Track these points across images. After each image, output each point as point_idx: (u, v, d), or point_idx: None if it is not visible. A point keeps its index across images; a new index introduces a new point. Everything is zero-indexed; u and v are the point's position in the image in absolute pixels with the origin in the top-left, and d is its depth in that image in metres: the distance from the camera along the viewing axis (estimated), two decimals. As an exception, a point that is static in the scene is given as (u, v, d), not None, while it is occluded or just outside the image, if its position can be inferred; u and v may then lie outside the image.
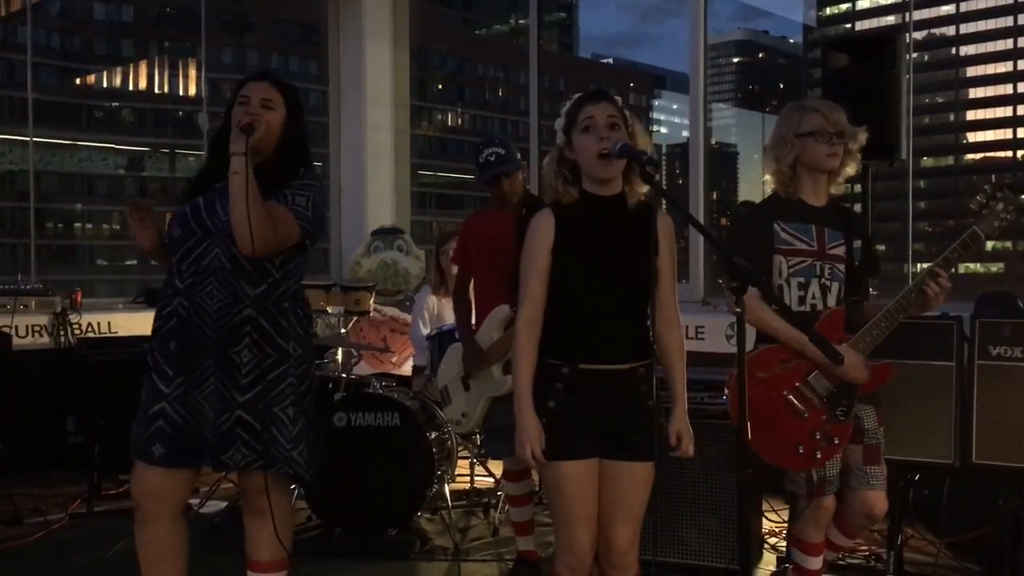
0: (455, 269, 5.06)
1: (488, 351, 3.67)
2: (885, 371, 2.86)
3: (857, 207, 3.93)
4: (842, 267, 2.89)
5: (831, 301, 2.88)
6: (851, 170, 2.94)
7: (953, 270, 2.82)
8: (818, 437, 2.82)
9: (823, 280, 2.87)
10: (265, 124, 2.60)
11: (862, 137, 2.91)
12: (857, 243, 2.92)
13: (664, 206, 2.62)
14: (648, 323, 2.52)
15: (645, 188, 2.48)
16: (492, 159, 3.66)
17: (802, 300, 2.87)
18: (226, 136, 2.58)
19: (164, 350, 2.60)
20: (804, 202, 2.90)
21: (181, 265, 2.61)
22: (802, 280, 2.86)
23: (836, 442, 2.82)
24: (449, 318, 5.04)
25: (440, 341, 4.49)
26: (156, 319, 2.66)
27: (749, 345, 2.60)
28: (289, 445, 2.63)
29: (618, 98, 2.50)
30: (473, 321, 3.85)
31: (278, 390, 2.63)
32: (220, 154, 2.60)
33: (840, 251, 2.88)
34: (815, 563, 3.02)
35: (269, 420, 2.61)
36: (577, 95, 2.51)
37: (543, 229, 2.47)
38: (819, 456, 2.82)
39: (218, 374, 2.58)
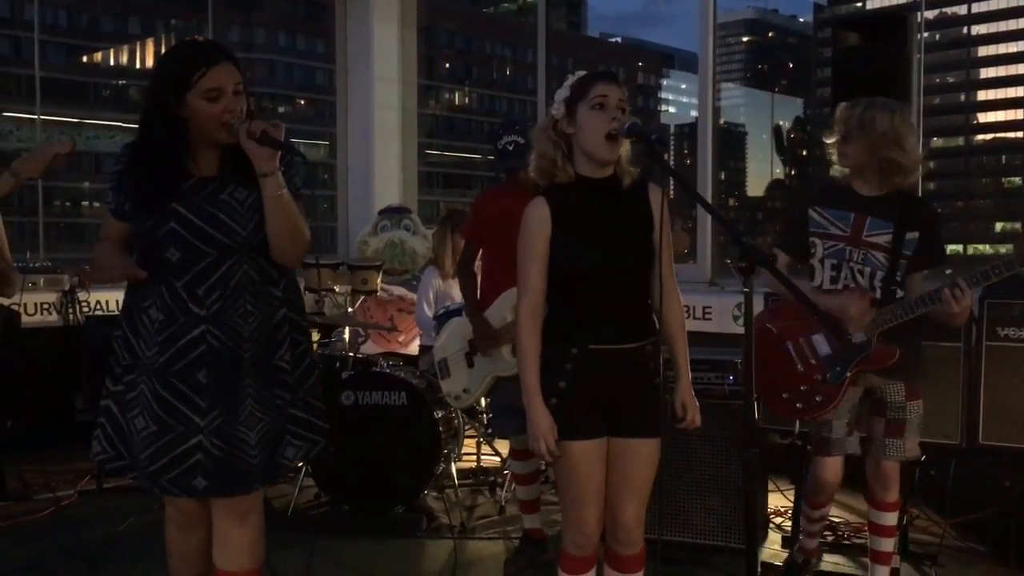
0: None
1: (500, 331, 3.66)
2: (885, 354, 2.94)
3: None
4: (880, 255, 2.98)
5: (864, 283, 3.00)
6: (891, 169, 2.97)
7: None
8: (803, 390, 3.02)
9: (851, 264, 3.01)
10: (240, 112, 2.31)
11: (902, 156, 2.96)
12: (913, 234, 2.96)
13: (671, 185, 2.60)
14: (649, 300, 2.52)
15: (632, 167, 2.47)
16: (511, 148, 3.64)
17: (835, 280, 3.04)
18: (175, 129, 2.30)
19: (191, 381, 2.34)
20: (854, 191, 3.05)
21: (195, 290, 2.34)
22: (834, 262, 3.05)
23: (819, 400, 3.00)
24: (456, 298, 5.04)
25: (447, 320, 4.49)
26: (163, 349, 2.34)
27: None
28: (322, 419, 2.57)
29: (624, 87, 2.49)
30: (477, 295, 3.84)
31: (311, 375, 2.55)
32: (175, 149, 2.32)
33: (881, 240, 2.98)
34: (816, 514, 3.29)
35: (303, 407, 2.52)
36: (587, 72, 2.48)
37: (539, 219, 2.44)
38: (799, 407, 3.05)
39: (260, 391, 2.39)
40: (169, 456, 2.34)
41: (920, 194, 3.75)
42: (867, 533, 3.34)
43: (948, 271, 3.34)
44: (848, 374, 2.97)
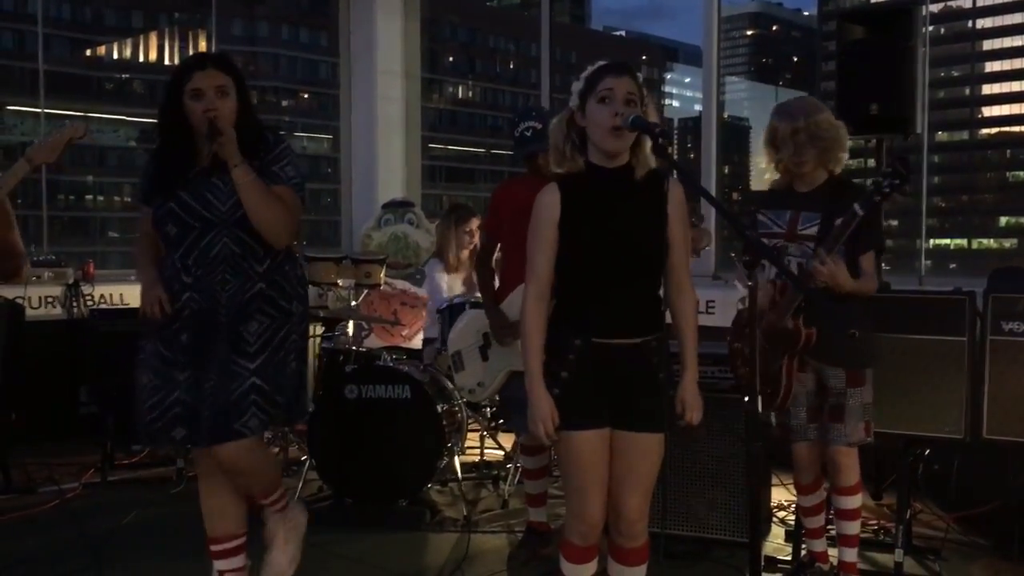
0: (474, 238, 5.05)
1: (517, 324, 3.63)
2: (797, 334, 3.02)
3: (869, 182, 3.99)
4: (813, 245, 3.08)
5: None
6: (835, 153, 3.15)
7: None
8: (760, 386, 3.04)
9: (791, 257, 3.15)
10: (225, 111, 2.70)
11: (843, 149, 3.16)
12: (840, 220, 3.03)
13: (675, 175, 2.60)
14: (660, 294, 2.51)
15: (653, 159, 2.46)
16: (529, 134, 3.62)
17: (778, 275, 3.13)
18: (179, 126, 2.72)
19: (175, 342, 2.74)
20: (793, 190, 3.22)
21: (186, 261, 2.73)
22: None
23: (769, 392, 3.10)
24: (458, 291, 5.04)
25: (451, 313, 4.50)
26: (163, 313, 2.73)
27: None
28: (291, 396, 2.85)
29: (639, 75, 2.47)
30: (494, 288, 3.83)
31: (284, 349, 2.81)
32: (181, 144, 2.74)
33: (812, 231, 3.12)
34: (809, 500, 3.38)
35: (278, 379, 2.79)
36: (601, 63, 2.48)
37: (549, 205, 2.45)
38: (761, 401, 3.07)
39: (229, 354, 2.72)
40: (160, 409, 2.74)
41: (922, 188, 3.82)
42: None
43: (953, 265, 3.37)
44: (782, 361, 3.07)
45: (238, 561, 3.01)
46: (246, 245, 2.74)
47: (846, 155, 3.18)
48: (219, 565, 2.99)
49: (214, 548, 2.99)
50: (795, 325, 3.02)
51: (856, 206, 2.91)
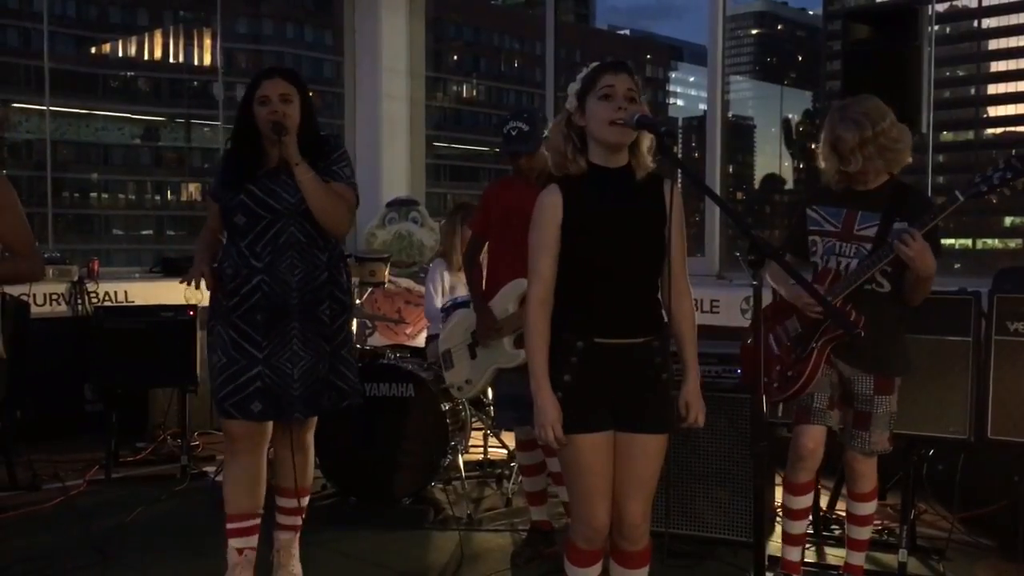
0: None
1: (502, 323, 3.68)
2: (847, 314, 2.93)
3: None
4: (870, 246, 2.99)
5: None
6: (901, 160, 3.09)
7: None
8: (778, 370, 3.13)
9: (841, 257, 3.06)
10: (289, 116, 2.98)
11: (907, 155, 3.08)
12: (901, 224, 2.95)
13: (679, 178, 2.60)
14: (660, 295, 2.51)
15: (651, 160, 2.46)
16: (514, 134, 3.63)
17: (827, 264, 3.10)
18: (249, 131, 3.02)
19: (252, 322, 3.01)
20: (850, 188, 3.10)
21: (255, 247, 3.00)
22: (827, 257, 3.09)
23: (791, 375, 3.08)
24: (462, 291, 5.03)
25: (453, 312, 4.50)
26: (231, 296, 3.01)
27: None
28: (356, 379, 3.20)
29: (635, 74, 2.47)
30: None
31: (343, 336, 3.15)
32: (251, 146, 3.04)
33: (871, 231, 3.01)
34: (798, 503, 3.23)
35: (338, 363, 3.12)
36: (597, 63, 2.47)
37: (551, 207, 2.43)
38: (776, 387, 3.13)
39: (304, 334, 3.02)
40: (234, 384, 3.00)
41: (926, 188, 3.78)
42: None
43: (957, 266, 3.37)
44: (815, 344, 3.03)
45: (253, 540, 3.17)
46: (311, 235, 3.03)
47: (910, 158, 3.10)
48: (237, 543, 3.13)
49: (232, 526, 3.13)
50: (846, 308, 2.95)
51: (957, 192, 2.80)
